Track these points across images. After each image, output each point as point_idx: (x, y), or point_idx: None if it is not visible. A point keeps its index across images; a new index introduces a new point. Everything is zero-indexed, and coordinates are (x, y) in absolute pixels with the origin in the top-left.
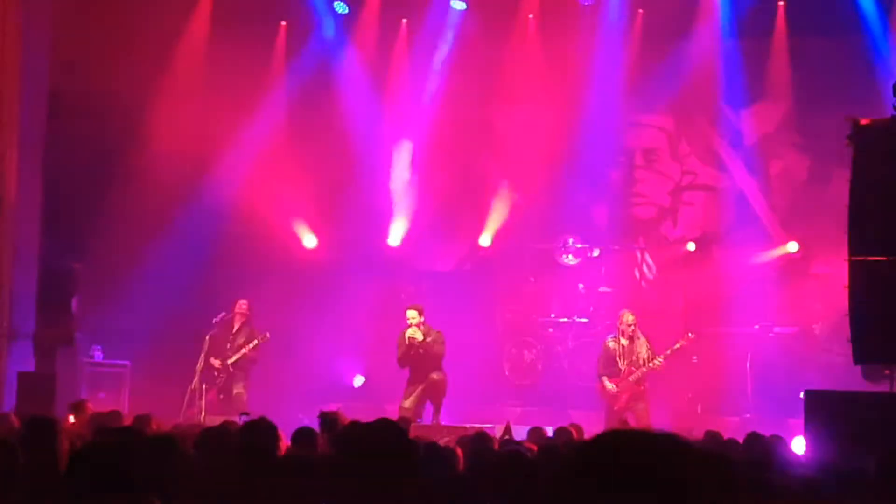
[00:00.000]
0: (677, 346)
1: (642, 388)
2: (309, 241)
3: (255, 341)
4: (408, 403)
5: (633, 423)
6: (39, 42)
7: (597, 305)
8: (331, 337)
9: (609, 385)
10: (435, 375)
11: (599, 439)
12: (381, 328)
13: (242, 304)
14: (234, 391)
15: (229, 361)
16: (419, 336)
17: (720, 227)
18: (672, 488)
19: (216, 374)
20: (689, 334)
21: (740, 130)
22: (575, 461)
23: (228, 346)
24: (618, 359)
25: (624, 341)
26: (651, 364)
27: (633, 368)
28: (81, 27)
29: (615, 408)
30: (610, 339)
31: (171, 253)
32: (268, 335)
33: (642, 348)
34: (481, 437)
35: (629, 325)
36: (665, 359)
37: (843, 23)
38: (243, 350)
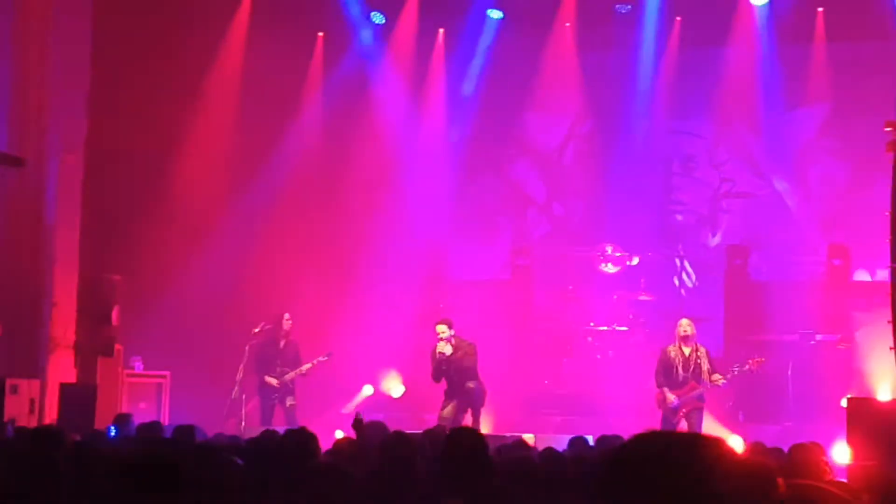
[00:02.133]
0: (746, 367)
1: (702, 404)
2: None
3: (322, 357)
4: (446, 412)
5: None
6: (80, 51)
7: (636, 314)
8: (371, 347)
9: (671, 397)
10: (470, 384)
11: (638, 443)
12: (420, 338)
13: (287, 320)
14: (288, 403)
15: (287, 378)
16: (448, 350)
17: (760, 234)
18: (713, 498)
19: (272, 391)
20: (760, 358)
21: (780, 137)
22: (613, 467)
23: (280, 362)
24: (677, 368)
25: (686, 349)
26: (713, 381)
27: (694, 383)
28: (121, 36)
29: (672, 420)
30: (670, 348)
31: (210, 263)
32: (331, 354)
33: (703, 360)
34: (520, 446)
35: (685, 333)
36: (729, 378)
37: (882, 27)
38: (305, 367)
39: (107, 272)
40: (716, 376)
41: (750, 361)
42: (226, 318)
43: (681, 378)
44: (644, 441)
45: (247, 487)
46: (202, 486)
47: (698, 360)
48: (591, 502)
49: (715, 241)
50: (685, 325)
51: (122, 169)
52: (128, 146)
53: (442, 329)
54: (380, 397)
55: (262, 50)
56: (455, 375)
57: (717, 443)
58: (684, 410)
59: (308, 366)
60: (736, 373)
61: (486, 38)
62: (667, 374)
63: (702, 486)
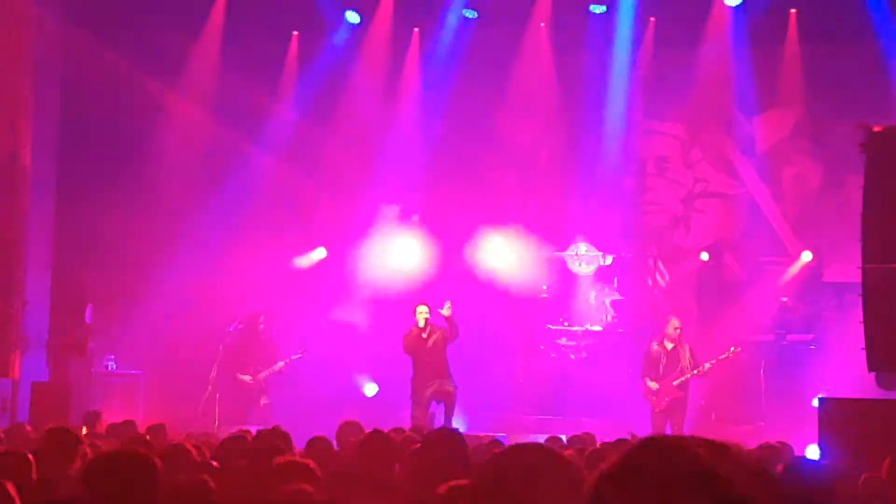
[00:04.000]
0: (724, 356)
1: (684, 394)
2: (318, 252)
3: (295, 356)
4: (419, 411)
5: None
6: (51, 50)
7: (610, 313)
8: (343, 346)
9: (651, 384)
10: (449, 387)
11: (648, 445)
12: (393, 337)
13: (261, 318)
14: (262, 402)
15: (261, 376)
16: (427, 331)
17: (733, 234)
18: (723, 499)
19: (245, 389)
20: (736, 348)
21: (753, 137)
22: (624, 467)
23: (254, 360)
24: (660, 362)
25: (669, 345)
26: (697, 370)
27: (673, 373)
28: (94, 31)
29: (657, 409)
30: (654, 343)
31: (184, 262)
32: (305, 352)
33: (685, 355)
34: (495, 446)
35: (676, 330)
36: (711, 366)
37: (855, 29)
38: (279, 365)
39: (80, 271)
40: (705, 365)
41: (727, 351)
42: (199, 316)
43: (662, 371)
44: (652, 446)
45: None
46: (174, 486)
47: (681, 354)
48: None
49: (688, 241)
50: (676, 323)
51: (96, 167)
52: (102, 144)
53: (423, 310)
54: (354, 397)
55: (238, 48)
56: (430, 357)
57: (726, 448)
58: (666, 399)
59: (282, 364)
60: (715, 362)
61: (460, 38)
62: (649, 368)
63: (720, 494)
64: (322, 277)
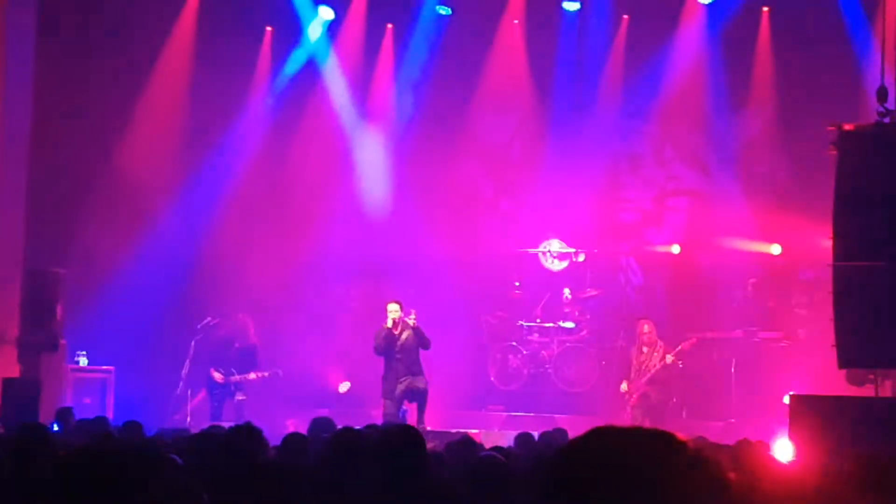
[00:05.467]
0: (678, 348)
1: (652, 389)
2: (295, 246)
3: (266, 373)
4: (391, 408)
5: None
6: (24, 39)
7: (582, 310)
8: (316, 342)
9: (623, 385)
10: (420, 384)
11: (588, 438)
12: (365, 333)
13: (240, 318)
14: (237, 398)
15: (232, 379)
16: (398, 329)
17: (705, 232)
18: (660, 489)
19: (218, 385)
20: (689, 339)
21: (725, 135)
22: (562, 460)
23: (230, 360)
24: (633, 366)
25: (644, 349)
26: (660, 365)
27: (645, 373)
28: (68, 24)
29: (630, 406)
30: (634, 349)
31: (155, 258)
32: (280, 372)
33: (657, 356)
34: (467, 442)
35: (645, 334)
36: (674, 358)
37: (827, 30)
38: (251, 376)
39: (51, 266)
40: (667, 357)
41: (682, 343)
42: (172, 312)
43: (633, 375)
44: (594, 436)
45: (186, 486)
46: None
47: (654, 356)
48: (541, 500)
49: (660, 238)
50: (646, 328)
51: (68, 161)
52: (73, 138)
53: (393, 308)
54: (325, 393)
55: (211, 43)
56: (401, 354)
57: (669, 437)
58: (636, 395)
59: (254, 375)
60: (672, 355)
61: (434, 34)
62: (627, 372)
63: (654, 482)
64: (296, 270)
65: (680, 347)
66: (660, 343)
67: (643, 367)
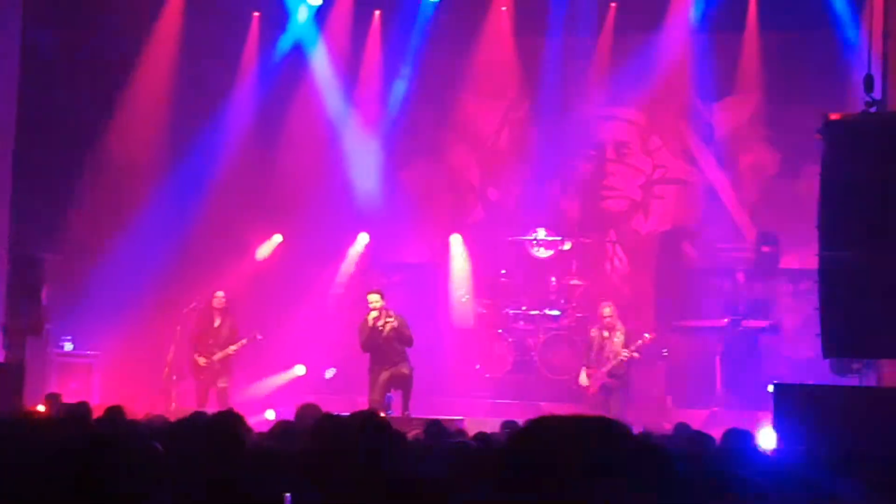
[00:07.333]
0: (639, 342)
1: (615, 380)
2: (275, 238)
3: (244, 340)
4: (376, 395)
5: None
6: (10, 27)
7: (568, 298)
8: (302, 329)
9: (582, 377)
10: (405, 369)
11: (531, 427)
12: (352, 320)
13: (220, 298)
14: (220, 385)
15: (215, 358)
16: (381, 321)
17: (691, 220)
18: (602, 474)
19: (201, 371)
20: (647, 334)
21: (711, 124)
22: (508, 448)
23: (212, 341)
24: (593, 349)
25: (606, 333)
26: (621, 358)
27: (605, 360)
28: (54, 9)
29: (590, 393)
30: (593, 329)
31: (141, 243)
32: (258, 335)
33: (618, 341)
34: (438, 429)
35: (606, 317)
36: (631, 353)
37: (814, 18)
38: (231, 348)
39: (36, 251)
40: (623, 353)
41: (640, 338)
42: (158, 297)
43: (593, 357)
44: (539, 424)
45: (165, 472)
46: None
47: (613, 341)
48: (493, 487)
49: (646, 226)
50: (607, 311)
51: (54, 146)
52: (60, 123)
53: (374, 298)
54: (311, 379)
55: (199, 28)
56: (385, 345)
57: (613, 424)
58: (596, 385)
59: (234, 347)
60: (633, 349)
61: (422, 21)
62: (587, 353)
63: (596, 468)
64: (281, 260)
65: (640, 342)
66: (619, 326)
67: (603, 354)
